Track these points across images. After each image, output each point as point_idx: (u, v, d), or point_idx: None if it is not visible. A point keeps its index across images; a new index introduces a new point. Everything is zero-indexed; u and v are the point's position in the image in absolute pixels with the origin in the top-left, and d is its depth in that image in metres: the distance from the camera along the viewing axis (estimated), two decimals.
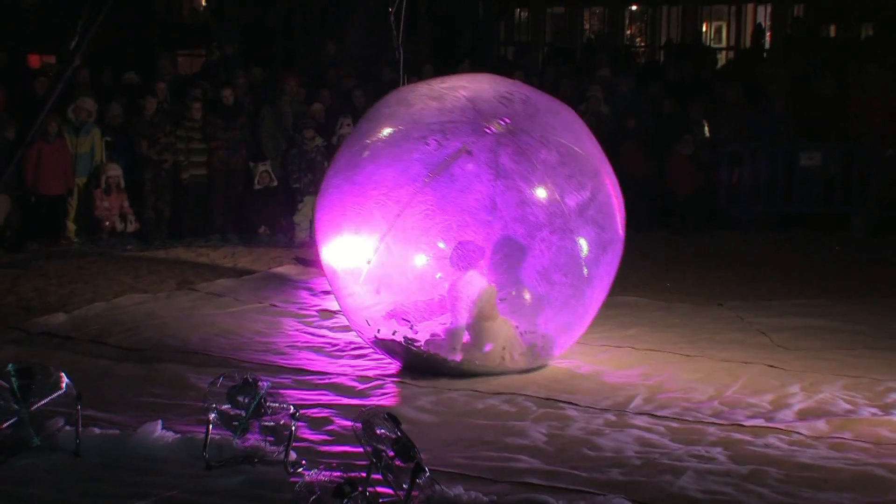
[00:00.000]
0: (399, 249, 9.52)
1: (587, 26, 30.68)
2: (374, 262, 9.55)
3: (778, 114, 19.25)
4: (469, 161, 9.52)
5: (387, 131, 9.89)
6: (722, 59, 27.21)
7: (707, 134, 19.01)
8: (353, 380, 9.68)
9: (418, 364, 9.83)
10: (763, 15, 28.82)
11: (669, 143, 18.69)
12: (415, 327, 9.73)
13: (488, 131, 9.60)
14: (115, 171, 16.41)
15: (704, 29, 29.61)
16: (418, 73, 16.70)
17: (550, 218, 9.53)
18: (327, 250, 10.01)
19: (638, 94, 19.92)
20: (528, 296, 9.72)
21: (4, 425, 7.56)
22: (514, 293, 9.68)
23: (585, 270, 9.76)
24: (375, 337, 9.87)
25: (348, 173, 9.84)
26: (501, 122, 9.65)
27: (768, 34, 27.34)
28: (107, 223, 16.31)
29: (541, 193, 9.56)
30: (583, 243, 9.71)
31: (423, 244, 9.50)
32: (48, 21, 23.44)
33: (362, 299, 9.82)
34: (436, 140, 9.55)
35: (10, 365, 7.72)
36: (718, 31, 30.25)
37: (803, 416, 8.75)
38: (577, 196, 9.69)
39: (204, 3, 30.91)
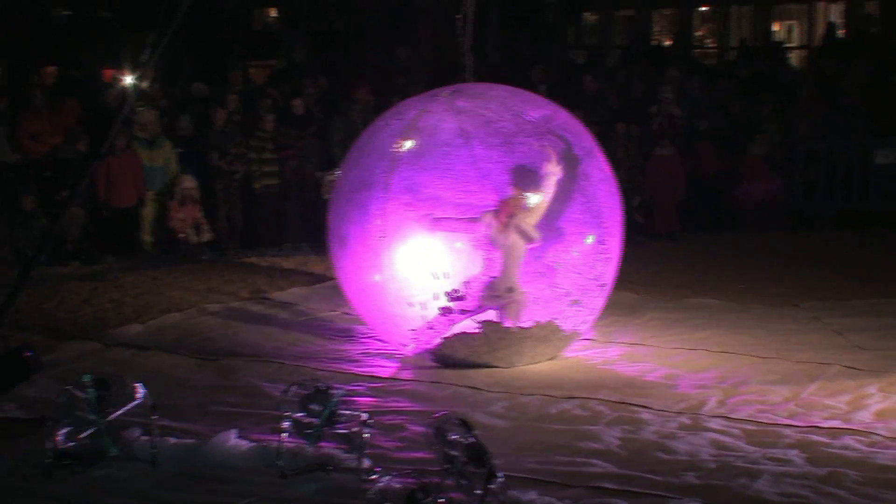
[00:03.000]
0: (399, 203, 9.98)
1: (657, 28, 30.50)
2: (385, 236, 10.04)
3: (852, 111, 19.02)
4: (430, 115, 10.29)
5: (359, 144, 10.92)
6: (794, 57, 26.94)
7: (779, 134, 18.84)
8: (426, 386, 9.69)
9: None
10: (836, 13, 28.49)
11: (743, 143, 18.54)
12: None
13: (439, 98, 10.48)
14: (189, 182, 16.55)
15: (776, 28, 29.32)
16: (488, 79, 16.66)
17: (521, 126, 10.15)
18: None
19: (709, 95, 19.78)
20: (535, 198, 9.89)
21: (82, 436, 7.65)
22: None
23: (578, 166, 10.12)
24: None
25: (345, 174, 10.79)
26: (448, 91, 10.55)
27: (841, 31, 27.02)
28: (181, 234, 16.45)
29: (503, 114, 10.24)
30: (564, 142, 10.14)
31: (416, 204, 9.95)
32: (122, 35, 23.76)
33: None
34: (396, 119, 10.54)
35: (86, 376, 7.81)
36: (790, 30, 29.94)
37: (881, 416, 8.64)
38: (538, 112, 10.42)
39: (274, 13, 31.11)
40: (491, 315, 9.99)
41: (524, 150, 10.00)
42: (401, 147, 10.17)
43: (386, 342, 11.01)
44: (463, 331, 10.04)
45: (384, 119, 10.85)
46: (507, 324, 9.99)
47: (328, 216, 10.91)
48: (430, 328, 10.06)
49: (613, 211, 10.42)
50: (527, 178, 9.85)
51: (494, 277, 9.84)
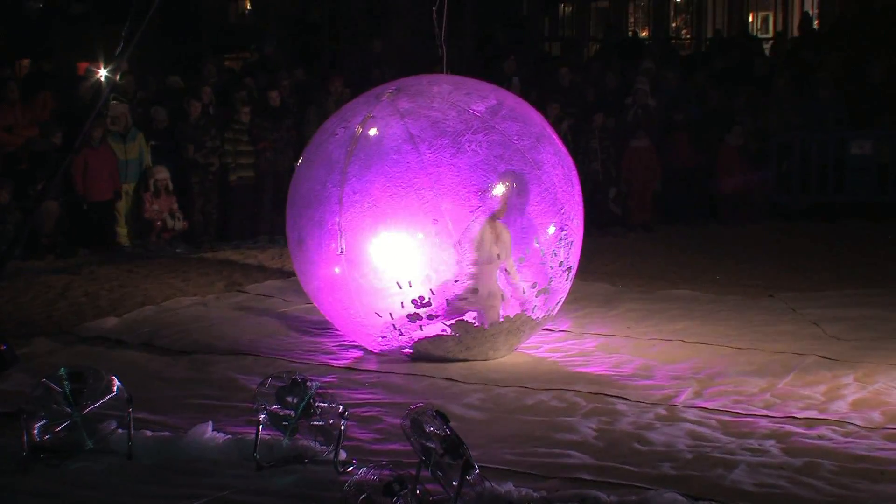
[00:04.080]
0: (354, 216, 9.88)
1: (632, 20, 30.55)
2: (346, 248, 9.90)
3: (826, 102, 19.08)
4: (374, 121, 10.12)
5: (306, 154, 10.86)
6: (769, 48, 27.02)
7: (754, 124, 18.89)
8: (402, 378, 9.68)
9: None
10: (810, 3, 28.58)
11: (718, 135, 18.58)
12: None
13: (382, 100, 10.27)
14: (163, 173, 16.50)
15: (751, 19, 29.41)
16: (463, 71, 16.66)
17: (467, 123, 9.98)
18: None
19: (684, 86, 19.82)
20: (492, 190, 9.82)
21: (58, 429, 7.63)
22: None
23: (527, 156, 10.00)
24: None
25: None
26: (391, 90, 10.39)
27: (816, 22, 27.11)
28: (157, 223, 16.41)
29: (447, 111, 10.06)
30: (511, 133, 10.05)
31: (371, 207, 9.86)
32: (96, 28, 23.65)
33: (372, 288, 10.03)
34: (342, 128, 10.32)
35: (62, 369, 7.79)
36: (765, 20, 30.03)
37: (857, 406, 8.67)
38: (484, 104, 10.24)
39: (249, 6, 31.04)
40: (462, 316, 9.96)
41: (473, 147, 9.86)
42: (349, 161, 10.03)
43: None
44: (435, 333, 10.02)
45: (330, 127, 10.62)
46: (478, 324, 9.97)
47: (287, 224, 10.82)
48: (401, 335, 10.03)
49: (571, 193, 10.31)
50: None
51: (460, 281, 9.80)
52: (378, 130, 10.03)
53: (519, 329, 10.19)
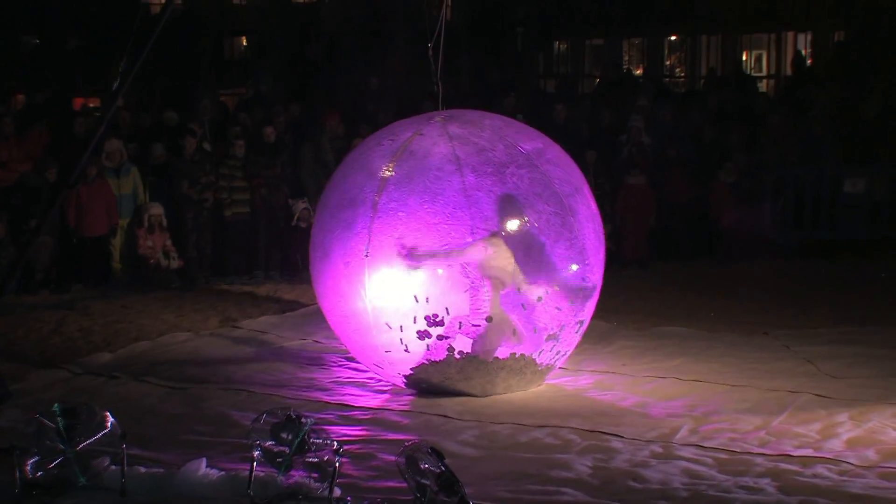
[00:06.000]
0: (386, 223, 9.98)
1: (626, 57, 30.66)
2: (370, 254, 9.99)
3: (820, 140, 19.12)
4: (423, 139, 10.24)
5: (347, 159, 11.06)
6: (763, 86, 27.11)
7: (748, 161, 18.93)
8: (397, 415, 9.67)
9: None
10: (803, 42, 28.71)
11: (712, 171, 18.61)
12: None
13: (433, 122, 10.46)
14: (157, 209, 16.49)
15: (745, 58, 29.53)
16: (458, 107, 16.70)
17: (512, 157, 10.14)
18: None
19: (679, 124, 19.86)
20: (518, 226, 9.93)
21: (51, 465, 7.60)
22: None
23: (565, 202, 10.07)
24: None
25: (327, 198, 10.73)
26: (443, 115, 10.55)
27: (809, 61, 27.23)
28: (151, 261, 16.38)
29: (495, 143, 10.21)
30: (553, 177, 10.16)
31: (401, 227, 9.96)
32: (92, 64, 23.71)
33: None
34: (388, 140, 10.49)
35: (55, 405, 7.77)
36: (759, 59, 30.15)
37: (852, 445, 8.67)
38: (531, 145, 10.40)
39: (245, 42, 31.14)
40: (468, 343, 9.96)
41: (514, 181, 9.97)
42: (389, 171, 10.12)
43: (358, 364, 11.07)
44: (440, 357, 10.00)
45: (376, 138, 10.80)
46: (483, 353, 9.97)
47: (313, 228, 10.84)
48: (406, 351, 10.03)
49: (597, 249, 10.39)
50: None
51: (477, 306, 9.82)
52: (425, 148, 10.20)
53: (521, 370, 10.18)
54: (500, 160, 10.09)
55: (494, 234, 9.82)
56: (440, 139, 10.23)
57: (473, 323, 9.88)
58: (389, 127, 11.06)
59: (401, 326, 9.94)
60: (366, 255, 9.96)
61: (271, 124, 17.85)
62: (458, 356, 10.00)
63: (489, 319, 9.86)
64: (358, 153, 10.84)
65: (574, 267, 10.10)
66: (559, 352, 10.39)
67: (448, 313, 9.86)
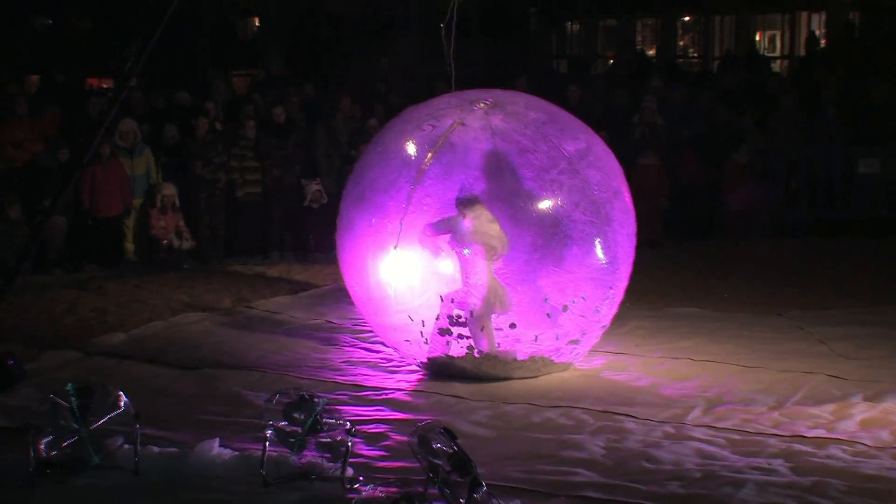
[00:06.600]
0: (419, 217, 9.91)
1: (639, 38, 30.58)
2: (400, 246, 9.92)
3: (834, 120, 19.07)
4: (464, 131, 10.03)
5: (385, 136, 10.63)
6: (777, 67, 27.02)
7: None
8: (409, 395, 9.67)
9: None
10: (817, 22, 28.61)
11: (725, 152, 18.56)
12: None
13: (476, 108, 10.17)
14: (170, 190, 16.50)
15: (758, 38, 29.43)
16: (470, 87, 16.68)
17: (554, 161, 9.91)
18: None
19: (691, 104, 19.82)
20: (554, 235, 9.83)
21: (65, 444, 7.61)
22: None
23: (602, 210, 9.94)
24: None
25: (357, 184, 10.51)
26: (486, 102, 10.25)
27: (823, 41, 27.14)
28: (164, 241, 16.40)
29: (538, 142, 9.97)
30: (592, 182, 10.01)
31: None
32: (105, 44, 23.72)
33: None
34: (430, 125, 10.17)
35: (69, 384, 7.78)
36: (773, 39, 30.05)
37: (866, 426, 8.64)
38: (574, 144, 10.14)
39: (258, 23, 31.10)
40: (485, 343, 9.96)
41: (553, 188, 9.83)
42: (428, 162, 9.98)
43: (371, 344, 11.15)
44: (459, 353, 10.01)
45: (417, 119, 10.41)
46: (500, 352, 9.98)
47: (342, 202, 10.70)
48: (426, 343, 10.02)
49: (627, 255, 10.29)
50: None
51: (468, 277, 9.82)
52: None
53: (538, 370, 10.16)
54: (542, 164, 9.89)
55: (474, 201, 9.81)
56: (482, 133, 10.02)
57: (496, 328, 9.89)
58: (430, 105, 10.67)
59: (423, 321, 9.95)
60: (395, 248, 9.93)
61: (280, 104, 17.84)
62: (477, 354, 9.99)
63: (512, 326, 9.87)
64: (397, 133, 10.47)
65: (602, 281, 10.04)
66: (578, 353, 10.40)
67: (472, 314, 9.85)
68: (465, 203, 9.79)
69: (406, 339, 10.15)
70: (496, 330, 9.94)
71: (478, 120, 10.13)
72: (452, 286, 9.90)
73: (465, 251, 9.74)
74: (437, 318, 9.91)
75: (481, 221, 9.77)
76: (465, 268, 9.81)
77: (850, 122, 19.17)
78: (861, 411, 8.98)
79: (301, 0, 26.92)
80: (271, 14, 28.49)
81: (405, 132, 10.37)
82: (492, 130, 10.02)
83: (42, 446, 7.54)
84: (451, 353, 10.01)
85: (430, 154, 9.99)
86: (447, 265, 9.92)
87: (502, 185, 9.89)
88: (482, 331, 9.93)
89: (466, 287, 9.82)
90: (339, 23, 25.22)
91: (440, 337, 9.95)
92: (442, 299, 9.85)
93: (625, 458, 7.93)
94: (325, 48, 24.00)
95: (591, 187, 9.97)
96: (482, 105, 10.21)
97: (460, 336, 9.91)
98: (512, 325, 9.87)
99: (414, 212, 9.88)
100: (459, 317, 9.86)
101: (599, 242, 9.97)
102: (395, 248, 9.91)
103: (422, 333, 9.99)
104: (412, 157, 10.10)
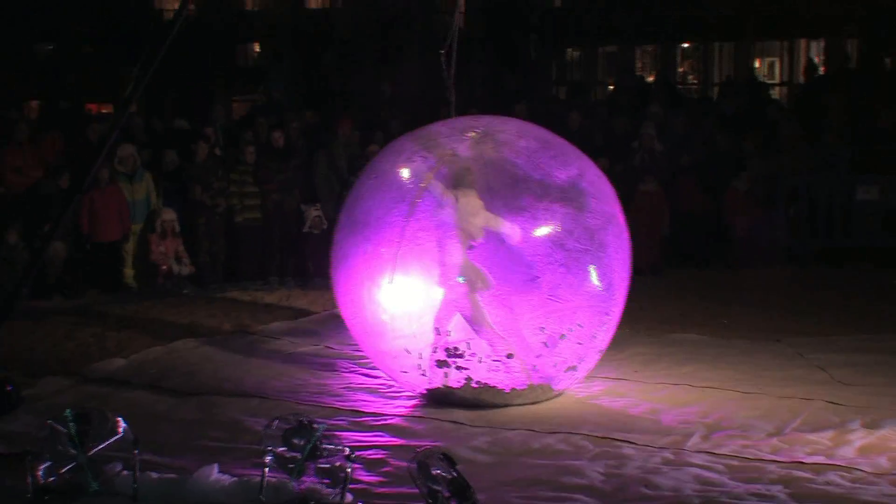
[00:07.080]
0: (411, 251, 9.83)
1: (639, 64, 30.67)
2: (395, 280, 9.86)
3: (833, 147, 19.08)
4: (456, 161, 10.00)
5: (377, 167, 10.57)
6: (776, 94, 27.09)
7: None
8: (409, 421, 9.67)
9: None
10: (816, 50, 28.69)
11: (725, 179, 18.58)
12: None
13: (466, 137, 10.14)
14: (169, 215, 16.51)
15: (757, 65, 29.52)
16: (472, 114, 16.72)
17: (546, 190, 9.88)
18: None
19: (691, 131, 19.85)
20: (549, 265, 9.79)
21: (63, 470, 7.60)
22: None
23: (596, 237, 9.93)
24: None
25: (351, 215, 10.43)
26: (478, 130, 10.24)
27: (822, 69, 27.21)
28: (163, 267, 16.41)
29: (530, 172, 9.95)
30: (586, 209, 9.99)
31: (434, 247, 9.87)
32: (106, 70, 23.79)
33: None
34: (421, 156, 10.12)
35: (68, 410, 7.78)
36: (771, 66, 30.15)
37: (865, 452, 8.64)
38: (566, 171, 10.11)
39: (258, 49, 31.21)
40: (483, 372, 9.94)
41: (546, 217, 9.81)
42: (420, 196, 9.92)
43: (370, 370, 11.13)
44: (457, 384, 10.01)
45: (409, 151, 10.34)
46: (500, 384, 9.97)
47: (337, 232, 10.63)
48: (423, 375, 10.02)
49: (623, 280, 10.29)
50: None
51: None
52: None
53: (537, 397, 10.15)
54: (534, 193, 9.86)
55: (465, 176, 9.84)
56: (473, 165, 10.00)
57: (494, 359, 9.87)
58: (422, 135, 10.55)
59: (420, 354, 9.95)
60: (390, 282, 9.88)
61: (280, 129, 17.86)
62: (475, 385, 9.98)
63: (509, 356, 9.86)
64: (390, 163, 10.40)
65: (600, 308, 10.04)
66: (577, 378, 10.39)
67: (468, 347, 9.85)
68: (456, 177, 9.84)
69: (404, 371, 10.15)
70: (493, 361, 9.90)
71: (469, 150, 10.13)
72: (448, 321, 9.88)
73: (459, 279, 9.74)
74: (434, 351, 9.90)
75: (468, 203, 9.80)
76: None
77: (850, 150, 19.19)
78: (860, 437, 8.98)
79: (305, 26, 27.04)
80: (275, 40, 28.59)
81: (396, 163, 10.33)
82: (483, 162, 10.02)
83: (40, 472, 7.54)
84: (449, 384, 9.99)
85: (422, 185, 9.96)
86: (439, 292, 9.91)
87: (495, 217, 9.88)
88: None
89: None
90: (343, 49, 25.30)
91: (438, 369, 9.94)
92: (438, 332, 9.84)
93: (624, 485, 7.93)
94: (329, 74, 24.06)
95: (584, 214, 9.97)
96: (473, 134, 10.20)
97: (458, 367, 9.89)
98: (510, 356, 9.86)
99: (408, 247, 9.81)
100: (457, 349, 9.85)
101: (594, 269, 9.96)
102: (390, 282, 9.87)
103: (419, 366, 9.98)
104: (405, 189, 10.04)
